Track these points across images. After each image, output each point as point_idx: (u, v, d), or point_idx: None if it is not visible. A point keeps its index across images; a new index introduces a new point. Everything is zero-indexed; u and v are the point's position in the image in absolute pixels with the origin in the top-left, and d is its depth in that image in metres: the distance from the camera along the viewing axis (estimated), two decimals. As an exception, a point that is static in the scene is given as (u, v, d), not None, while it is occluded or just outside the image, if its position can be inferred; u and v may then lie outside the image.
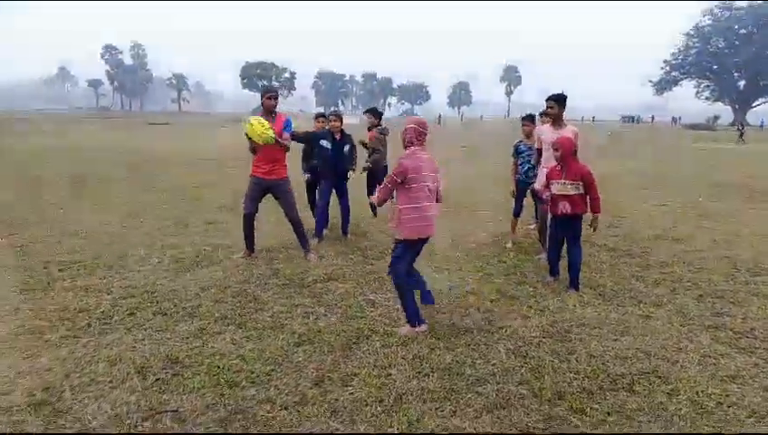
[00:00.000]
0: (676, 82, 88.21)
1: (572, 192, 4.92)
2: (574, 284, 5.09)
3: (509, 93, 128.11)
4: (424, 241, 4.13)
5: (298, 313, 4.43)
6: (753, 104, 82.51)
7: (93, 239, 6.66)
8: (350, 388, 3.26)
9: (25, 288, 4.86)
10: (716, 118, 72.29)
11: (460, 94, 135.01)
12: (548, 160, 5.56)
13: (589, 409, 3.07)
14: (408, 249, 4.08)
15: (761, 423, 2.99)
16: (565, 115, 5.73)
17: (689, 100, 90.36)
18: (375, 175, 7.72)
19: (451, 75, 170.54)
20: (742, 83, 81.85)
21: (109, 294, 4.75)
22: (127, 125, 39.90)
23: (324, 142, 6.65)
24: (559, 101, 5.61)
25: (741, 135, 34.90)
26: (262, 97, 5.71)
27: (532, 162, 6.32)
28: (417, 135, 4.09)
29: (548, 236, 5.48)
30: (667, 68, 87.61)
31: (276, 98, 5.73)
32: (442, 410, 3.03)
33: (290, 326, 4.14)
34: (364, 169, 7.66)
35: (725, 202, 10.55)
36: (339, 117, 6.82)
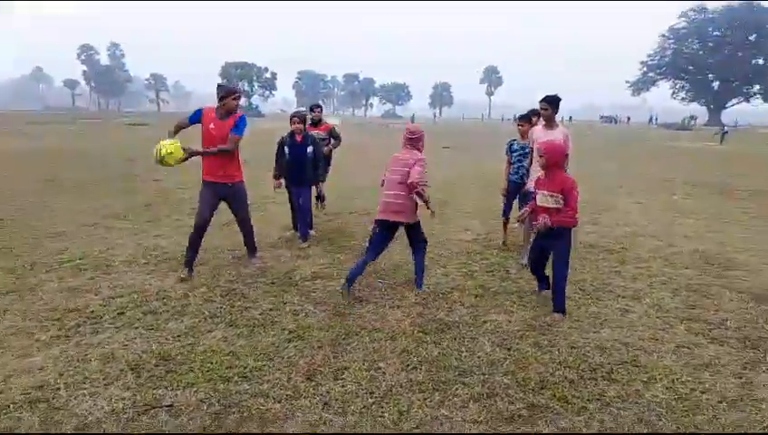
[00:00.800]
0: (652, 83, 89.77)
1: (552, 205, 4.41)
2: (557, 307, 4.49)
3: (489, 94, 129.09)
4: (384, 223, 4.95)
5: (287, 310, 4.51)
6: (727, 105, 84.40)
7: (77, 240, 6.63)
8: (341, 381, 3.36)
9: (12, 290, 4.85)
10: (693, 118, 73.81)
11: (441, 95, 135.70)
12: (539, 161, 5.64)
13: (570, 397, 3.21)
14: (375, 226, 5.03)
15: (732, 409, 3.16)
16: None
17: (661, 101, 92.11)
18: None
19: (433, 75, 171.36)
20: (716, 84, 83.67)
21: (97, 295, 4.77)
22: (104, 126, 39.34)
23: (285, 147, 6.49)
24: (552, 102, 5.62)
25: (722, 136, 35.16)
26: (225, 97, 5.14)
27: (523, 163, 6.25)
28: (403, 139, 4.93)
29: (530, 249, 5.12)
30: (644, 69, 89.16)
31: (239, 99, 5.37)
32: (431, 401, 3.15)
33: (280, 323, 4.22)
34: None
35: (699, 200, 10.87)
36: (301, 118, 6.52)
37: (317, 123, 8.14)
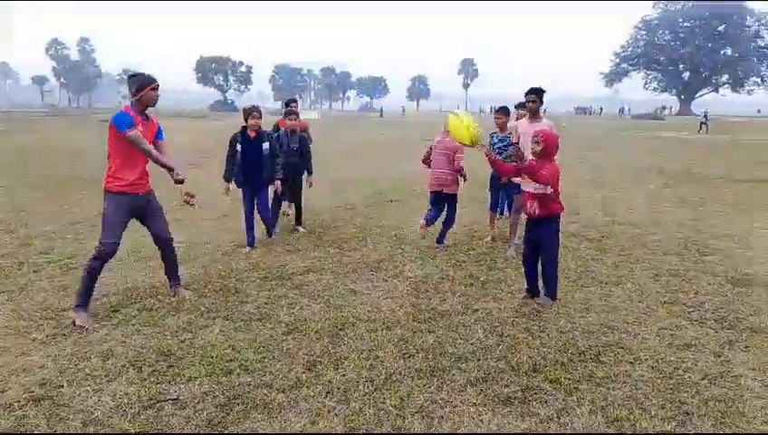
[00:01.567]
0: (625, 74, 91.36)
1: (540, 191, 4.50)
2: (549, 293, 4.62)
3: (466, 86, 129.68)
4: (436, 192, 6.48)
5: (282, 304, 4.57)
6: (697, 95, 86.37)
7: (64, 240, 6.59)
8: (342, 370, 3.44)
9: (2, 290, 4.82)
10: (664, 108, 75.36)
11: (419, 87, 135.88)
12: (524, 150, 5.57)
13: (562, 378, 3.35)
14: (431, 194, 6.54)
15: (713, 385, 3.33)
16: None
17: (633, 92, 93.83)
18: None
19: (410, 68, 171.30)
20: (686, 75, 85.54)
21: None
22: (78, 123, 38.53)
23: (237, 146, 5.96)
24: (540, 94, 5.69)
25: (702, 125, 35.25)
26: (143, 88, 4.23)
27: (503, 155, 6.26)
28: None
29: (523, 244, 4.90)
30: (617, 60, 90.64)
31: (158, 88, 4.38)
32: (429, 386, 3.26)
33: (276, 316, 4.29)
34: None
35: (675, 189, 11.20)
36: (261, 113, 6.04)
37: (293, 119, 7.33)
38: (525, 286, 4.84)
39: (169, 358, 3.57)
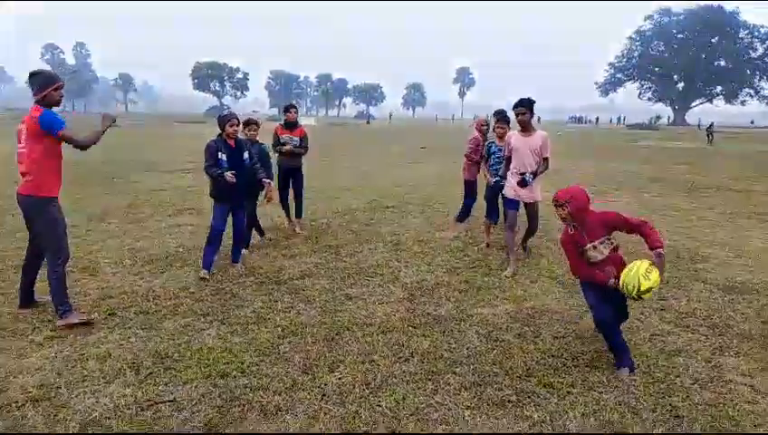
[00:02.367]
0: (620, 84, 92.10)
1: (607, 252, 3.68)
2: (626, 363, 3.58)
3: (462, 94, 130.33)
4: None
5: (279, 308, 4.61)
6: (692, 105, 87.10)
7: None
8: (338, 373, 3.48)
9: (2, 291, 4.83)
10: (659, 118, 75.92)
11: (414, 95, 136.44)
12: (519, 166, 5.63)
13: (555, 383, 3.40)
14: None
15: (704, 389, 3.38)
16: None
17: (628, 102, 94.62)
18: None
19: (404, 76, 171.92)
20: (681, 85, 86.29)
21: (86, 296, 4.79)
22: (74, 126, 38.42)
23: (219, 154, 5.28)
24: (530, 105, 5.45)
25: (709, 136, 33.73)
26: (46, 87, 4.01)
27: (499, 168, 6.23)
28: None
29: (600, 321, 3.68)
30: (612, 70, 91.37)
31: (62, 88, 4.16)
32: (424, 390, 3.30)
33: (272, 320, 4.32)
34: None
35: (668, 198, 11.30)
36: (237, 119, 5.49)
37: (293, 126, 7.21)
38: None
39: (166, 361, 3.60)
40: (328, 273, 5.62)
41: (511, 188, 5.77)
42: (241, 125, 5.80)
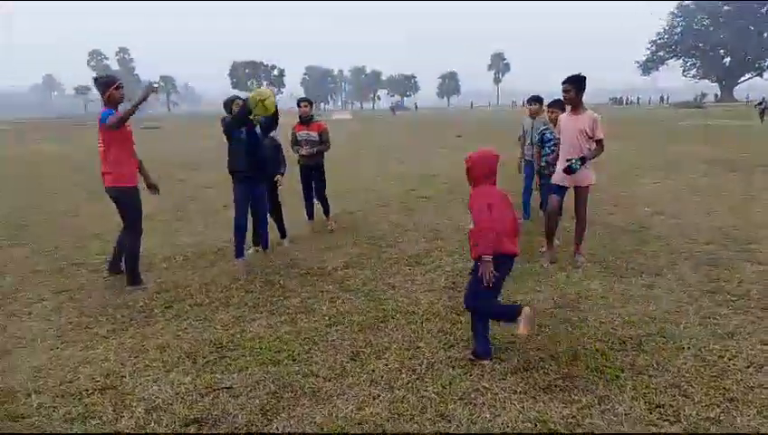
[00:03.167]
0: (662, 62, 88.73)
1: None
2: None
3: (497, 81, 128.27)
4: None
5: (324, 298, 4.73)
6: (740, 80, 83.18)
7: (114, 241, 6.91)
8: (384, 360, 3.56)
9: (62, 289, 5.13)
10: (704, 95, 72.90)
11: (449, 84, 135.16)
12: (566, 148, 5.32)
13: (603, 367, 3.38)
14: None
15: (759, 372, 3.31)
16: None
17: (670, 81, 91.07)
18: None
19: (440, 65, 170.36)
20: (727, 60, 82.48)
21: (143, 291, 5.02)
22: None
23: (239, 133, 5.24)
24: (576, 83, 5.12)
25: (762, 112, 30.04)
26: (108, 88, 4.79)
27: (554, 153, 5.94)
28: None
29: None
30: (653, 48, 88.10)
31: (122, 87, 4.93)
32: (470, 375, 3.34)
33: (319, 310, 4.45)
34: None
35: (715, 178, 10.91)
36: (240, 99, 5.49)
37: (307, 121, 6.91)
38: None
39: (221, 350, 3.76)
40: (370, 263, 5.71)
41: (557, 174, 5.43)
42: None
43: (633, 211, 7.92)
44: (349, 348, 3.75)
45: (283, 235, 6.62)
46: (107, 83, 4.80)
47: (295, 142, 7.01)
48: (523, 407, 2.98)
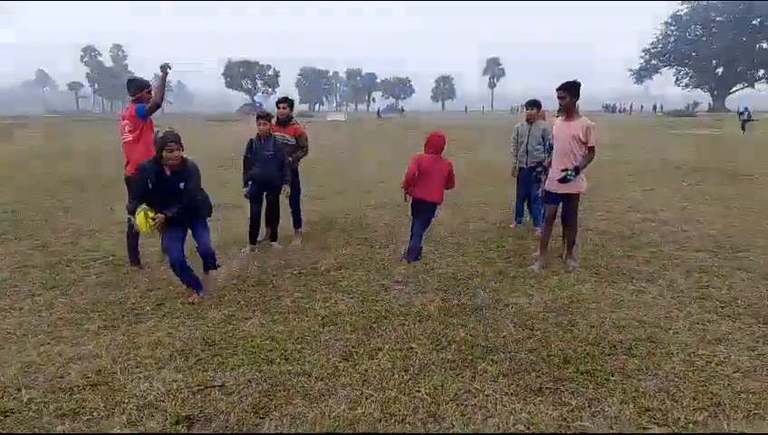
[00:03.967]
0: (655, 70, 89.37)
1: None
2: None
3: (492, 86, 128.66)
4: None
5: (317, 298, 4.74)
6: (732, 90, 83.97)
7: (107, 238, 6.88)
8: (377, 360, 3.58)
9: (54, 285, 5.10)
10: (697, 104, 73.43)
11: (443, 88, 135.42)
12: (559, 156, 5.34)
13: (593, 370, 3.42)
14: None
15: (747, 378, 3.35)
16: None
17: (662, 88, 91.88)
18: None
19: (435, 68, 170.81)
20: (720, 70, 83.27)
21: (135, 288, 5.01)
22: (113, 126, 39.66)
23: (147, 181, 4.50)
24: (571, 88, 5.16)
25: (743, 124, 29.42)
26: (140, 90, 5.38)
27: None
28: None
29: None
30: (647, 56, 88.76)
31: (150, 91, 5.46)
32: (462, 377, 3.36)
33: (312, 310, 4.45)
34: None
35: (708, 186, 11.02)
36: (180, 144, 4.49)
37: (285, 124, 6.57)
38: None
39: (213, 348, 3.76)
40: (363, 264, 5.72)
41: (551, 181, 5.45)
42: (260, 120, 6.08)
43: (625, 217, 7.98)
44: (341, 348, 3.76)
45: (275, 237, 6.57)
46: (140, 86, 5.42)
47: None
48: (514, 409, 3.00)
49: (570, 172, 5.20)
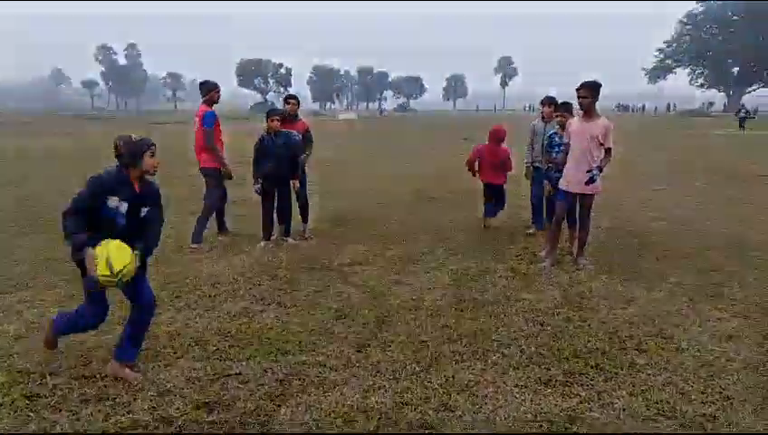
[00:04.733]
0: (670, 70, 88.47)
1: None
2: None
3: (504, 85, 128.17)
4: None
5: (331, 292, 4.82)
6: (748, 90, 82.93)
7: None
8: (390, 352, 3.66)
9: (74, 277, 5.21)
10: (711, 104, 72.77)
11: (455, 86, 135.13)
12: (575, 155, 5.30)
13: (603, 364, 3.47)
14: None
15: (755, 373, 3.39)
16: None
17: (673, 88, 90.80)
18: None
19: (447, 67, 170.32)
20: (736, 69, 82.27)
21: (152, 281, 5.10)
22: (129, 126, 40.11)
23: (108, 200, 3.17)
24: (593, 87, 5.15)
25: (742, 121, 30.58)
26: (210, 91, 6.25)
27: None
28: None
29: None
30: (661, 56, 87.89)
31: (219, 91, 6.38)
32: (473, 368, 3.43)
33: (326, 303, 4.54)
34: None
35: (720, 185, 10.97)
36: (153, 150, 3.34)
37: (293, 120, 6.66)
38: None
39: (230, 339, 3.86)
40: (376, 260, 5.80)
41: (565, 178, 5.44)
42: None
43: (636, 216, 7.99)
44: (355, 340, 3.84)
45: (288, 232, 6.65)
46: (209, 88, 6.22)
47: None
48: (524, 399, 3.06)
49: (595, 172, 5.17)
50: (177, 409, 2.98)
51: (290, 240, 6.50)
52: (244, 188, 9.34)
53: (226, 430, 2.81)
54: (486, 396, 3.10)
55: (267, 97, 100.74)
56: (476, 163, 7.14)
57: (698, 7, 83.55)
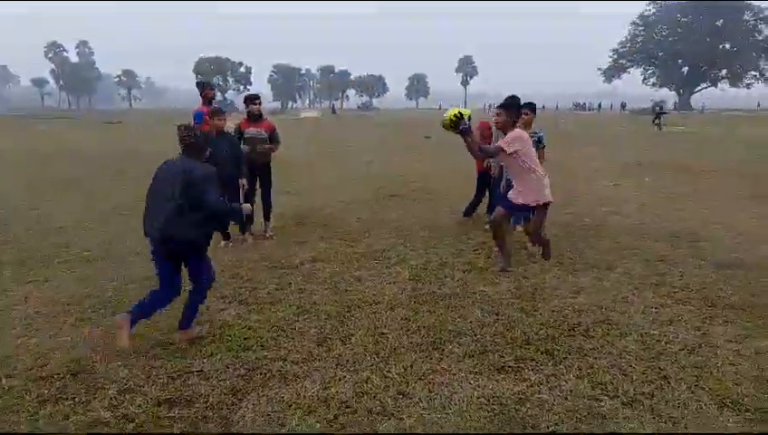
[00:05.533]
0: (624, 70, 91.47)
1: None
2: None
3: (465, 84, 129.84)
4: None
5: (292, 289, 4.88)
6: (696, 89, 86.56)
7: (81, 235, 6.89)
8: (350, 345, 3.75)
9: (29, 280, 5.13)
10: (663, 102, 75.67)
11: (417, 86, 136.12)
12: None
13: (552, 350, 3.65)
14: None
15: (692, 354, 3.63)
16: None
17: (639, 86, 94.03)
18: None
19: (409, 67, 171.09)
20: (685, 69, 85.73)
21: (112, 283, 5.07)
22: (83, 125, 38.87)
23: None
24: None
25: (657, 118, 31.00)
26: (204, 88, 6.81)
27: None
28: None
29: None
30: (615, 56, 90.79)
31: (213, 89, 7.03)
32: (431, 358, 3.56)
33: (287, 300, 4.60)
34: None
35: (667, 180, 11.50)
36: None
37: (257, 119, 6.59)
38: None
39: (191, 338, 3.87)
40: (337, 257, 5.88)
41: (514, 193, 5.28)
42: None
43: (590, 211, 8.32)
44: (316, 335, 3.92)
45: (243, 230, 6.65)
46: (202, 87, 6.82)
47: (243, 141, 6.50)
48: (478, 385, 3.21)
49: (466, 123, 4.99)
50: (139, 406, 3.01)
51: (250, 240, 6.51)
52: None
53: (188, 424, 2.86)
54: (442, 383, 3.23)
55: (226, 96, 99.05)
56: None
57: (650, 9, 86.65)
